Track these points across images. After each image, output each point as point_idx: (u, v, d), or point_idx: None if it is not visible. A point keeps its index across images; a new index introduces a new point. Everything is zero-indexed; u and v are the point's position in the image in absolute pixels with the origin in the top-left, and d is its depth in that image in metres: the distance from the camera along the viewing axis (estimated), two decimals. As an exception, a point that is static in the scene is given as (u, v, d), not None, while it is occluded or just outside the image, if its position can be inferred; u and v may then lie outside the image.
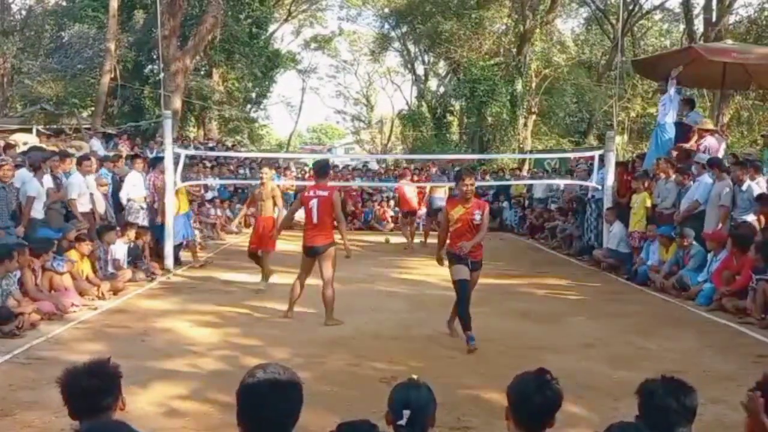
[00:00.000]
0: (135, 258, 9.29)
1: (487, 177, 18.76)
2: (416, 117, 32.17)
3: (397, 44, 34.09)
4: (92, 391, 2.25)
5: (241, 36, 24.64)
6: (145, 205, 10.23)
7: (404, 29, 31.81)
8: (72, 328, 6.49)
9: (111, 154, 13.32)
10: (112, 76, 19.46)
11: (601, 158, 11.37)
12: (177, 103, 19.81)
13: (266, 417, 2.01)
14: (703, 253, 8.48)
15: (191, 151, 13.86)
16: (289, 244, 10.15)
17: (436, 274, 10.07)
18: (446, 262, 6.18)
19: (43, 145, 12.06)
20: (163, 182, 10.34)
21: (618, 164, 11.69)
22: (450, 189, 15.27)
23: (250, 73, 26.71)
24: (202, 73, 25.48)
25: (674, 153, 10.68)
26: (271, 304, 7.48)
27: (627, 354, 5.78)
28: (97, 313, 7.14)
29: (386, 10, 32.24)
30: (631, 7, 24.49)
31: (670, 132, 10.99)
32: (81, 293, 7.48)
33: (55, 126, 17.04)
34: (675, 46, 25.36)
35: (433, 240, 13.34)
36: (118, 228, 9.05)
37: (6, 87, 20.10)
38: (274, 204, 8.60)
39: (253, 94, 29.73)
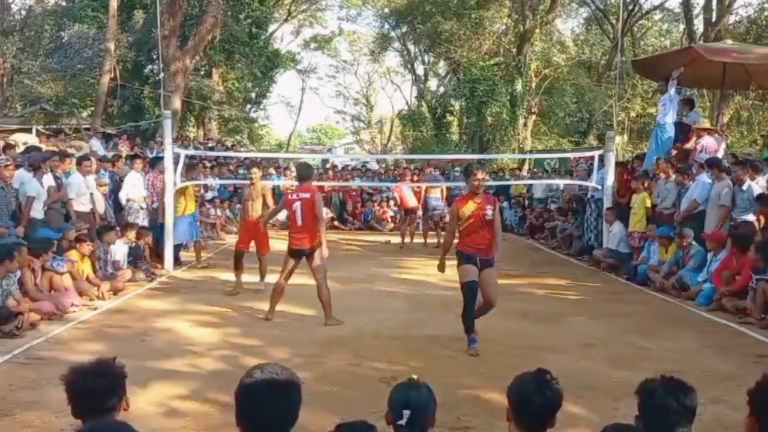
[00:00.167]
0: (136, 258, 9.30)
1: (487, 177, 18.73)
2: (416, 117, 32.17)
3: (397, 44, 34.10)
4: (97, 390, 2.23)
5: (240, 36, 24.64)
6: (144, 205, 10.23)
7: (404, 29, 31.80)
8: (72, 328, 6.49)
9: (111, 154, 13.32)
10: (112, 76, 19.45)
11: (601, 158, 11.37)
12: (177, 103, 19.80)
13: (265, 417, 2.01)
14: (703, 253, 8.48)
15: (191, 151, 13.85)
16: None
17: (436, 274, 10.06)
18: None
19: (41, 145, 12.04)
20: (163, 182, 10.35)
21: (618, 164, 11.70)
22: (448, 189, 15.35)
23: (250, 73, 26.71)
24: (201, 73, 25.48)
25: (673, 153, 10.69)
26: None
27: (627, 354, 5.79)
28: (97, 313, 7.14)
29: (386, 10, 32.23)
30: (631, 7, 24.49)
31: (670, 132, 10.99)
32: (81, 293, 7.48)
33: (54, 126, 17.03)
34: (675, 46, 25.36)
35: (431, 240, 13.55)
36: (118, 228, 9.05)
37: (6, 87, 20.09)
38: (264, 204, 8.48)
39: (253, 94, 29.73)
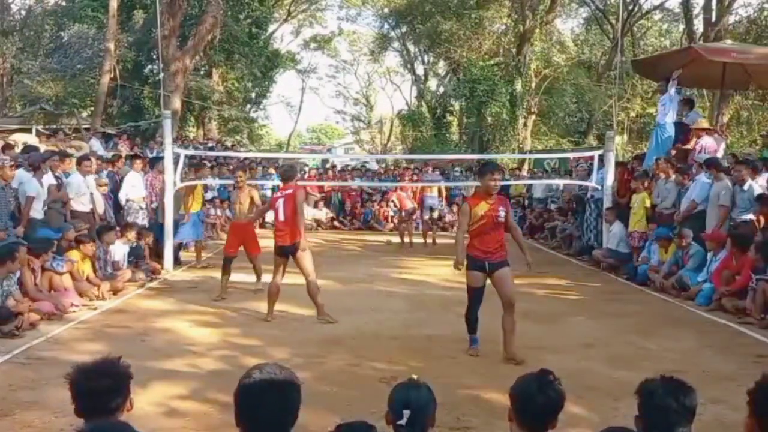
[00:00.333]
0: (137, 258, 9.30)
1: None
2: (416, 117, 32.19)
3: (396, 44, 34.11)
4: (102, 390, 2.21)
5: (240, 36, 24.65)
6: (143, 205, 10.23)
7: (404, 29, 31.81)
8: (72, 328, 6.49)
9: (110, 154, 13.32)
10: (112, 76, 19.44)
11: (601, 158, 11.38)
12: (176, 103, 19.80)
13: (264, 417, 2.01)
14: (703, 253, 8.48)
15: (191, 151, 13.86)
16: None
17: (436, 274, 10.11)
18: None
19: (41, 145, 12.04)
20: (162, 182, 10.36)
21: (618, 164, 11.70)
22: (447, 189, 15.39)
23: (250, 73, 26.71)
24: (201, 73, 25.47)
25: (673, 153, 10.69)
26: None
27: (627, 354, 5.79)
28: (96, 313, 7.14)
29: (386, 10, 32.24)
30: (630, 7, 24.49)
31: (670, 132, 11.00)
32: (81, 294, 7.48)
33: (54, 126, 17.02)
34: (675, 46, 25.37)
35: (429, 239, 13.61)
36: (117, 228, 9.05)
37: (5, 87, 20.08)
38: (253, 206, 8.37)
39: (253, 94, 29.73)
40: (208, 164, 15.91)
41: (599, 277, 10.15)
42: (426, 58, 33.70)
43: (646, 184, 10.35)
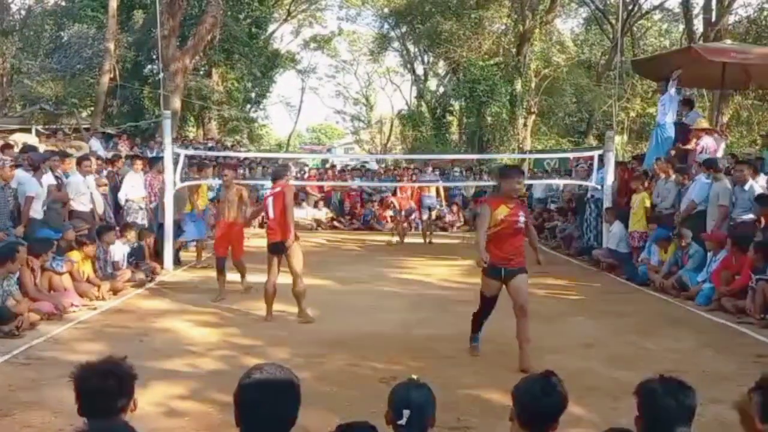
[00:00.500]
0: (138, 259, 9.30)
1: (485, 177, 18.80)
2: (416, 117, 32.19)
3: (396, 44, 34.09)
4: (108, 391, 2.20)
5: (240, 36, 24.64)
6: (143, 205, 10.23)
7: (404, 29, 31.79)
8: (71, 328, 6.49)
9: (110, 154, 13.32)
10: (112, 76, 19.43)
11: (601, 158, 11.38)
12: (176, 103, 19.80)
13: (264, 417, 2.01)
14: (702, 253, 8.48)
15: (191, 151, 13.86)
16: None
17: (436, 274, 10.13)
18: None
19: (41, 145, 12.04)
20: (161, 183, 10.37)
21: (618, 164, 11.70)
22: (446, 189, 15.41)
23: (250, 73, 26.70)
24: (201, 73, 25.46)
25: (672, 153, 10.68)
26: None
27: (627, 354, 5.79)
28: (96, 313, 7.14)
29: (386, 10, 32.23)
30: (630, 7, 24.49)
31: (670, 132, 11.00)
32: (81, 295, 7.47)
33: (54, 126, 17.02)
34: (674, 46, 25.37)
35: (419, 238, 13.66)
36: (117, 228, 9.05)
37: (5, 87, 20.07)
38: (241, 205, 8.18)
39: (253, 94, 29.71)
40: (210, 164, 15.96)
41: (599, 277, 10.15)
42: (426, 58, 33.70)
43: (645, 184, 10.36)
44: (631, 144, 25.79)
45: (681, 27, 26.41)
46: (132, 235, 9.14)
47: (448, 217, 17.03)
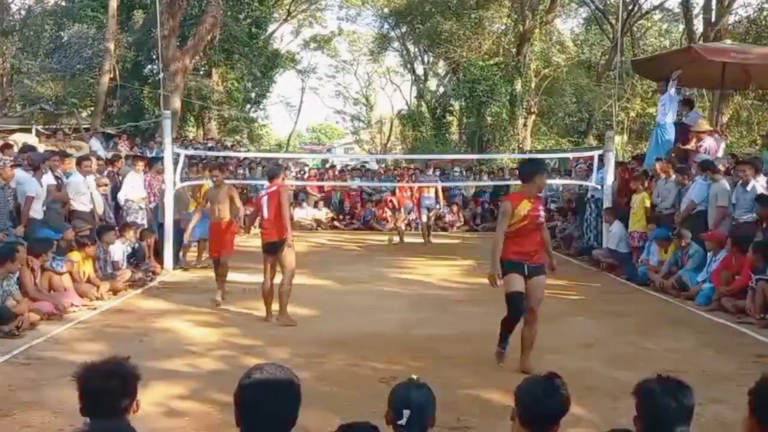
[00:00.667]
0: (139, 259, 9.30)
1: (484, 177, 18.81)
2: (416, 117, 32.18)
3: (396, 44, 34.09)
4: (111, 391, 2.19)
5: (240, 36, 24.64)
6: (143, 205, 10.23)
7: (404, 29, 31.79)
8: (71, 328, 6.49)
9: (110, 154, 13.33)
10: (112, 76, 19.43)
11: (601, 158, 11.38)
12: (176, 103, 19.80)
13: (264, 417, 2.01)
14: (702, 253, 8.48)
15: (191, 151, 13.86)
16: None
17: (436, 274, 10.13)
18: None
19: (41, 145, 12.04)
20: (160, 183, 10.38)
21: (618, 164, 11.70)
22: (445, 189, 15.38)
23: (250, 73, 26.70)
24: (201, 73, 25.46)
25: (672, 154, 10.68)
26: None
27: (627, 354, 5.79)
28: (96, 313, 7.14)
29: (386, 10, 32.23)
30: (630, 7, 24.48)
31: (670, 132, 11.01)
32: (81, 295, 7.47)
33: (54, 126, 17.02)
34: (674, 46, 25.36)
35: (419, 238, 13.67)
36: (116, 228, 9.05)
37: (5, 87, 20.06)
38: (233, 206, 8.01)
39: (253, 94, 29.71)
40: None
41: (599, 277, 10.15)
42: (426, 58, 33.69)
43: (645, 184, 10.36)
44: (631, 144, 25.78)
45: (681, 27, 26.40)
46: (131, 234, 9.14)
47: (448, 217, 17.03)
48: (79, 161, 9.38)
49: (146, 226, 9.97)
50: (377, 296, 8.35)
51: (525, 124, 25.33)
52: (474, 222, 17.50)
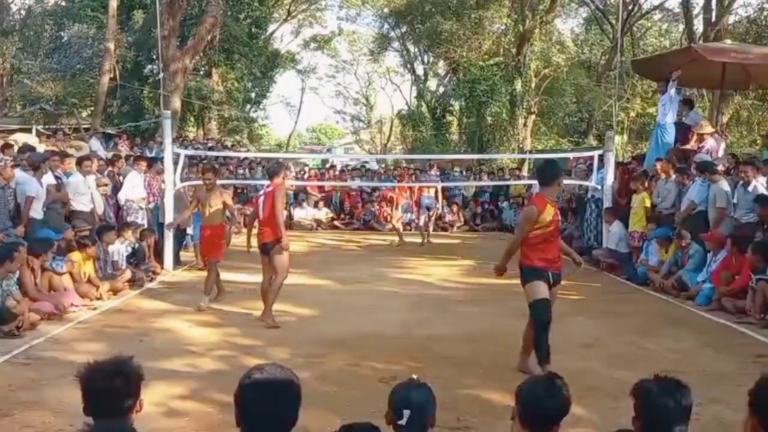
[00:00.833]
0: (139, 259, 9.29)
1: (484, 177, 18.82)
2: (416, 117, 32.16)
3: (396, 44, 34.08)
4: (115, 391, 2.18)
5: (240, 36, 24.64)
6: (143, 205, 10.24)
7: (404, 29, 31.79)
8: (71, 328, 6.50)
9: (110, 154, 13.33)
10: (112, 76, 19.43)
11: (601, 158, 11.38)
12: (176, 103, 19.80)
13: (264, 417, 2.01)
14: (702, 253, 8.48)
15: (191, 151, 13.86)
16: (291, 244, 10.14)
17: (436, 274, 10.13)
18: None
19: (41, 145, 12.05)
20: (159, 183, 10.38)
21: (618, 164, 11.70)
22: (444, 189, 15.40)
23: (250, 73, 26.70)
24: (201, 73, 25.47)
25: (673, 155, 10.68)
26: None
27: (627, 354, 5.79)
28: (96, 313, 7.14)
29: (386, 10, 32.22)
30: (630, 7, 24.47)
31: (671, 132, 11.01)
32: (82, 295, 7.47)
33: (54, 126, 17.03)
34: (674, 46, 25.35)
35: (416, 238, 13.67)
36: (116, 228, 9.05)
37: (5, 87, 20.06)
38: (224, 209, 7.81)
39: (253, 94, 29.71)
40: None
41: (599, 277, 10.14)
42: (426, 58, 33.68)
43: (645, 184, 10.36)
44: (631, 144, 25.78)
45: (681, 27, 26.40)
46: (129, 234, 9.13)
47: (448, 217, 17.03)
48: (80, 161, 9.38)
49: (146, 226, 9.98)
50: (377, 296, 8.35)
51: (525, 124, 25.32)
52: (474, 222, 17.51)
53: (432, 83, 34.51)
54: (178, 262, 10.32)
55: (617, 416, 3.98)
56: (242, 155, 19.41)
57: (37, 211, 8.06)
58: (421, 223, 13.96)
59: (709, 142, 10.58)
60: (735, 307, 7.26)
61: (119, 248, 8.78)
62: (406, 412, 2.21)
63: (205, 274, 9.64)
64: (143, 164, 10.61)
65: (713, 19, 19.73)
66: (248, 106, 29.95)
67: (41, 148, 11.33)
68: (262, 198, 6.88)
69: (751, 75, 12.21)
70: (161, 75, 16.54)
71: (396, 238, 14.02)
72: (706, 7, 20.20)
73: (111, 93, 20.48)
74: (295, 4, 33.86)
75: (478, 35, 25.24)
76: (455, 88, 26.82)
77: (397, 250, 13.06)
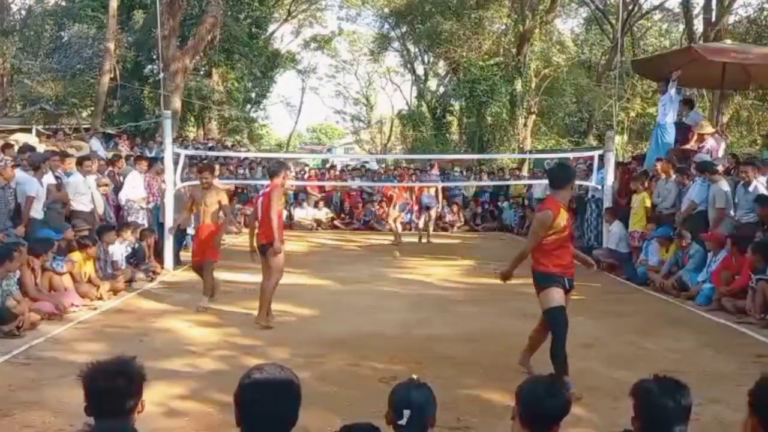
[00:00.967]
0: (138, 259, 9.29)
1: (484, 177, 18.82)
2: (416, 117, 32.16)
3: (396, 44, 34.10)
4: (118, 391, 2.18)
5: (240, 36, 24.65)
6: (144, 205, 10.24)
7: (404, 29, 31.80)
8: (71, 328, 6.49)
9: (110, 154, 13.34)
10: (112, 76, 19.43)
11: (601, 158, 11.38)
12: (177, 103, 19.81)
13: (264, 417, 2.01)
14: (702, 253, 8.48)
15: (191, 151, 13.87)
16: (291, 244, 10.17)
17: (436, 274, 10.13)
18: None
19: (41, 145, 12.05)
20: (158, 183, 10.38)
21: (618, 164, 11.70)
22: (445, 189, 15.41)
23: (250, 73, 26.71)
24: (201, 73, 25.47)
25: (673, 155, 10.68)
26: (272, 304, 7.46)
27: (627, 354, 5.79)
28: (96, 313, 7.14)
29: (386, 10, 32.23)
30: (630, 7, 24.47)
31: (671, 132, 11.01)
32: (82, 295, 7.47)
33: (54, 126, 17.04)
34: (675, 46, 25.35)
35: (423, 239, 13.68)
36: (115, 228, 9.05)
37: (5, 87, 20.06)
38: (220, 209, 7.59)
39: (253, 94, 29.71)
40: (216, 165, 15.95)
41: (599, 277, 10.11)
42: (426, 58, 33.69)
43: (645, 184, 10.36)
44: (631, 144, 25.78)
45: (681, 27, 26.40)
46: (128, 234, 9.13)
47: (448, 217, 17.04)
48: (80, 161, 9.39)
49: (146, 226, 9.98)
50: (377, 296, 8.35)
51: (525, 124, 25.32)
52: (474, 222, 17.52)
53: (432, 83, 34.55)
54: (178, 262, 10.31)
55: (617, 416, 3.98)
56: (242, 155, 19.42)
57: (37, 211, 8.06)
58: (421, 224, 13.98)
59: (709, 142, 10.59)
60: (735, 307, 7.26)
61: (118, 248, 8.78)
62: (406, 412, 2.21)
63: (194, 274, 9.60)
64: (144, 164, 10.61)
65: (713, 19, 19.73)
66: (248, 106, 29.96)
67: (41, 148, 11.32)
68: (260, 199, 6.87)
69: (751, 75, 12.21)
70: (161, 75, 16.54)
71: (397, 252, 14.04)
72: (706, 7, 20.20)
73: (111, 93, 20.49)
74: (295, 4, 33.86)
75: (478, 35, 25.24)
76: (455, 88, 26.83)
77: (397, 251, 13.05)
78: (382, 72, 41.51)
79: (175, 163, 10.27)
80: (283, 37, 40.33)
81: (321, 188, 17.73)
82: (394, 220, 14.06)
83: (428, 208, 13.85)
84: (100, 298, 7.73)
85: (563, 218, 4.78)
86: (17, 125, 16.82)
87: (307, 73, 40.54)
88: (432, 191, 13.99)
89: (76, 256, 7.77)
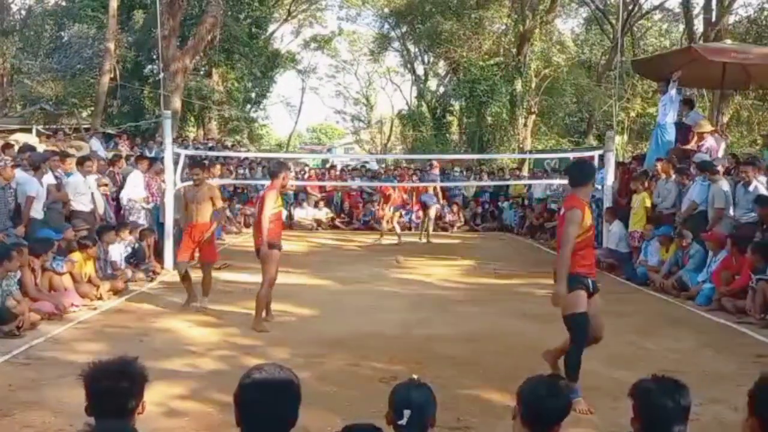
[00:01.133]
0: (139, 259, 9.29)
1: (485, 177, 18.81)
2: (416, 117, 32.17)
3: (396, 44, 34.09)
4: (119, 392, 2.17)
5: (240, 36, 24.65)
6: (145, 205, 10.24)
7: (404, 29, 31.80)
8: (72, 328, 6.49)
9: (111, 154, 13.33)
10: (112, 76, 19.43)
11: (601, 158, 11.38)
12: (177, 103, 19.80)
13: (264, 417, 2.02)
14: (703, 253, 8.48)
15: (191, 151, 13.86)
16: (291, 244, 10.16)
17: (436, 274, 10.13)
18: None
19: (41, 145, 12.04)
20: (158, 183, 10.38)
21: (618, 164, 11.70)
22: (445, 189, 15.41)
23: (250, 73, 26.71)
24: (201, 73, 25.47)
25: (673, 155, 10.68)
26: (271, 304, 7.46)
27: (627, 354, 5.79)
28: (96, 313, 7.14)
29: (386, 10, 32.23)
30: (630, 7, 24.48)
31: (671, 132, 11.01)
32: (82, 295, 7.47)
33: (54, 126, 17.03)
34: (675, 46, 25.36)
35: (423, 239, 13.67)
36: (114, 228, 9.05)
37: (5, 87, 20.06)
38: (213, 207, 7.45)
39: (253, 94, 29.71)
40: (207, 164, 15.95)
41: (599, 277, 10.07)
42: (426, 58, 33.69)
43: (645, 184, 10.36)
44: (631, 144, 25.79)
45: (681, 27, 26.40)
46: (127, 234, 9.12)
47: (449, 217, 17.03)
48: (81, 161, 9.38)
49: (147, 226, 9.98)
50: (377, 296, 8.35)
51: (525, 124, 25.32)
52: (474, 222, 17.51)
53: (432, 83, 34.55)
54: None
55: (617, 416, 3.99)
56: (242, 155, 19.41)
57: (37, 211, 8.06)
58: (421, 215, 13.97)
59: (709, 142, 10.58)
60: (735, 307, 7.26)
61: (117, 248, 8.78)
62: (407, 412, 2.21)
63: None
64: (145, 163, 10.61)
65: (713, 19, 19.74)
66: (248, 106, 29.96)
67: (41, 148, 11.32)
68: (259, 201, 6.85)
69: (751, 75, 12.21)
70: (161, 75, 16.54)
71: (401, 257, 14.09)
72: (706, 7, 20.20)
73: (111, 93, 20.49)
74: (295, 4, 33.87)
75: (478, 35, 25.24)
76: (455, 88, 26.83)
77: (398, 250, 13.04)
78: (382, 72, 41.55)
79: (175, 163, 10.27)
80: (283, 37, 40.34)
81: (321, 188, 17.73)
82: (389, 221, 14.07)
83: (427, 207, 13.85)
84: (100, 298, 7.72)
85: (589, 216, 4.59)
86: (17, 125, 16.82)
87: (307, 73, 40.59)
88: (430, 190, 14.00)
89: (76, 256, 7.77)
